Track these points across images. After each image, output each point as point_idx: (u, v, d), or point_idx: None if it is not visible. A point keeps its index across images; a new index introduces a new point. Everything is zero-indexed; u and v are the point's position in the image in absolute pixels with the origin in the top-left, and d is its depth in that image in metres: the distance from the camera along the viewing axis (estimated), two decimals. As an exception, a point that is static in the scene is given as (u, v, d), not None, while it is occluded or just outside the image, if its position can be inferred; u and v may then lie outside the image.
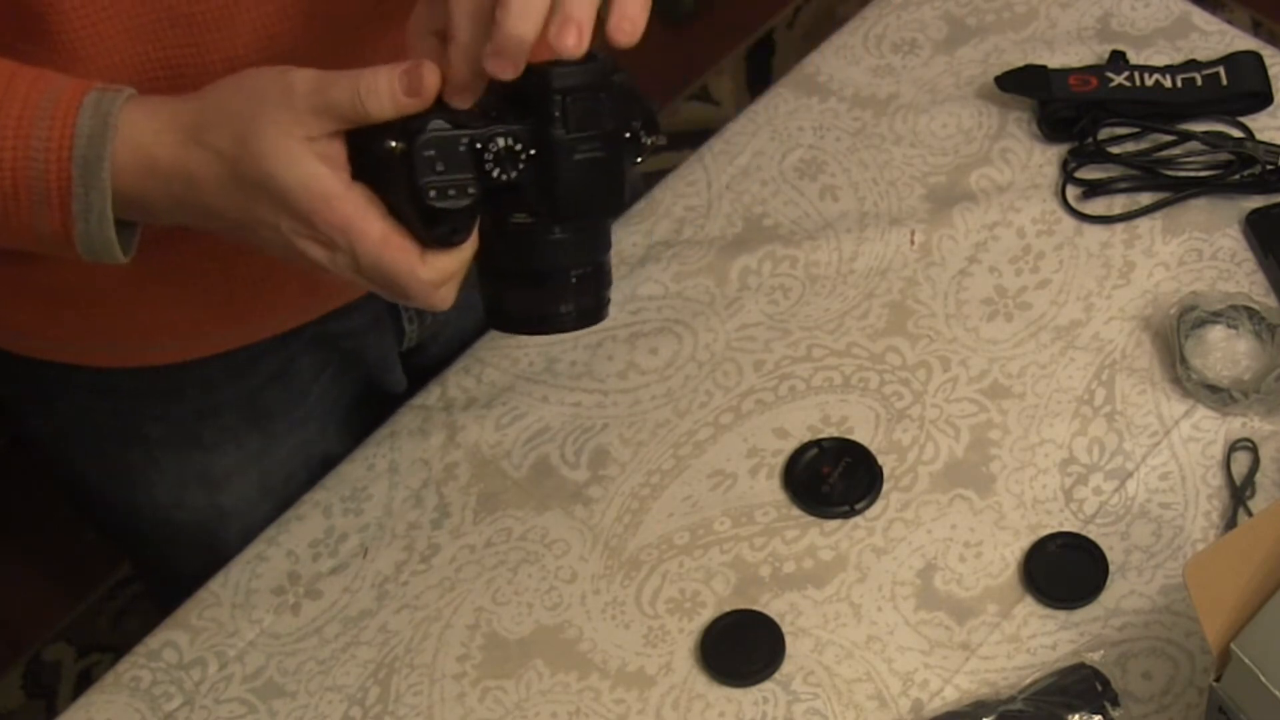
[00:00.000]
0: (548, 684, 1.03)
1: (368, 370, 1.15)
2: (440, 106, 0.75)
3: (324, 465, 1.13)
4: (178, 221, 0.80)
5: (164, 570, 1.26)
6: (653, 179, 1.25)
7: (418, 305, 0.79)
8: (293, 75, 0.74)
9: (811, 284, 1.17)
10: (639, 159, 0.81)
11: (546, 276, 0.79)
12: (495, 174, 0.75)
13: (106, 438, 1.11)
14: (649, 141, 0.79)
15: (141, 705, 1.04)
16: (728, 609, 1.04)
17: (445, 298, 0.78)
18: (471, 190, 0.74)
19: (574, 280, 0.79)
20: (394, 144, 0.74)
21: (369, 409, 1.17)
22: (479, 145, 0.74)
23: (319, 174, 0.74)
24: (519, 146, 0.75)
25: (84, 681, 1.91)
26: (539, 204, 0.77)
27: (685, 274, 1.18)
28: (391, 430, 1.13)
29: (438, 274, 0.76)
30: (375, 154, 0.75)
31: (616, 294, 1.16)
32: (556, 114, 0.75)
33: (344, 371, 1.14)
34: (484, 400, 1.14)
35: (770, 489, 1.08)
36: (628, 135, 0.79)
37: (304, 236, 0.75)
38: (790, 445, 1.10)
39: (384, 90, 0.73)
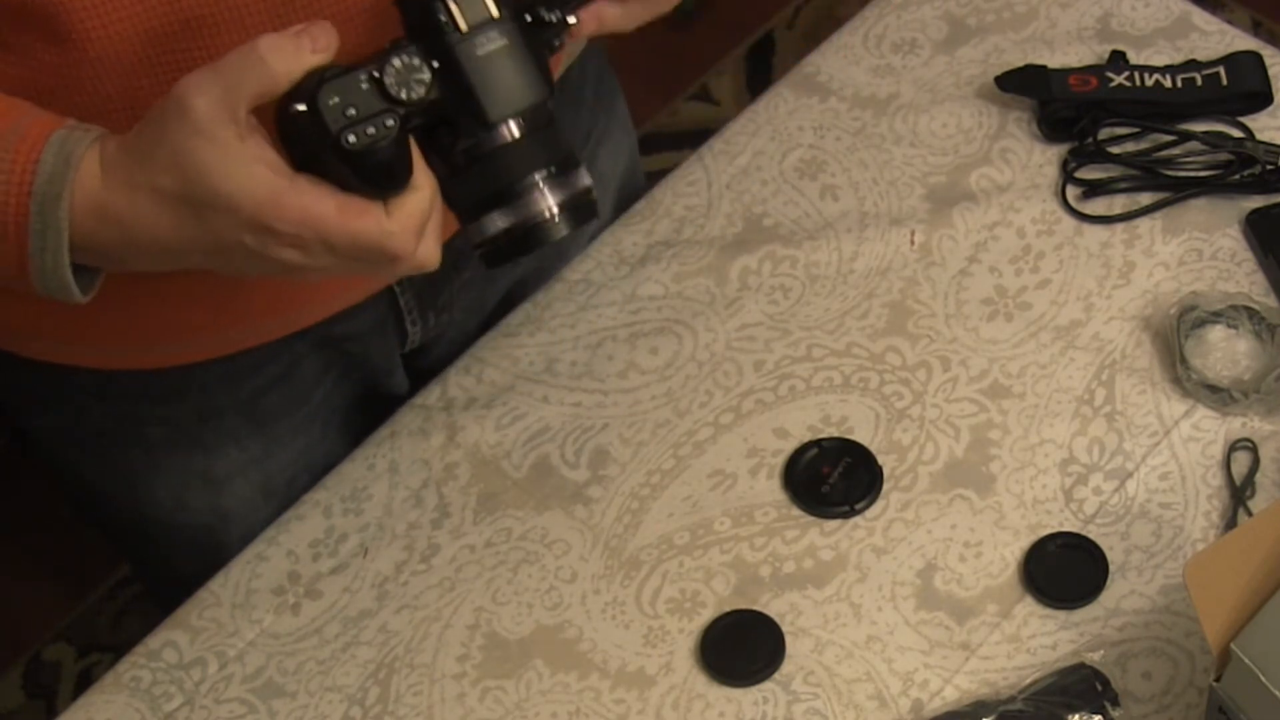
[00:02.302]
0: (548, 684, 1.03)
1: (371, 373, 1.15)
2: (331, 65, 0.74)
3: (326, 468, 1.13)
4: (143, 266, 0.78)
5: (165, 571, 1.26)
6: (653, 179, 1.25)
7: (410, 269, 0.77)
8: (179, 87, 0.73)
9: (811, 284, 1.17)
10: (557, 41, 0.79)
11: (513, 190, 0.78)
12: (404, 95, 0.74)
13: (107, 439, 1.11)
14: (552, 18, 0.78)
15: (141, 705, 1.04)
16: (728, 609, 1.04)
17: (429, 252, 0.77)
18: (389, 122, 0.74)
19: (542, 182, 0.77)
20: (298, 107, 0.73)
21: (371, 412, 1.16)
22: (378, 74, 0.74)
23: (258, 176, 0.73)
24: (417, 62, 0.74)
25: (84, 681, 1.91)
26: (467, 115, 0.76)
27: (685, 274, 1.18)
28: (391, 430, 1.13)
29: (406, 220, 0.75)
30: (289, 131, 0.74)
31: (616, 294, 1.17)
32: (443, 18, 0.74)
33: (347, 375, 1.14)
34: (484, 400, 1.14)
35: (770, 489, 1.08)
36: (529, 19, 0.77)
37: (272, 244, 0.74)
38: (790, 445, 1.10)
39: (288, 46, 0.72)
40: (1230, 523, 1.04)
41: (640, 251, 1.19)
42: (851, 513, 1.07)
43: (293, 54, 0.73)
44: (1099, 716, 0.97)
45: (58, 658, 1.95)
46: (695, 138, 1.29)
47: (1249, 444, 1.07)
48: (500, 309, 1.18)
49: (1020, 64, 1.23)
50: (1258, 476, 1.06)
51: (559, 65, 0.84)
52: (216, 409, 1.10)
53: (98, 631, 1.97)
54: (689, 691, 1.02)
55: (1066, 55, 1.25)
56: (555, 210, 0.78)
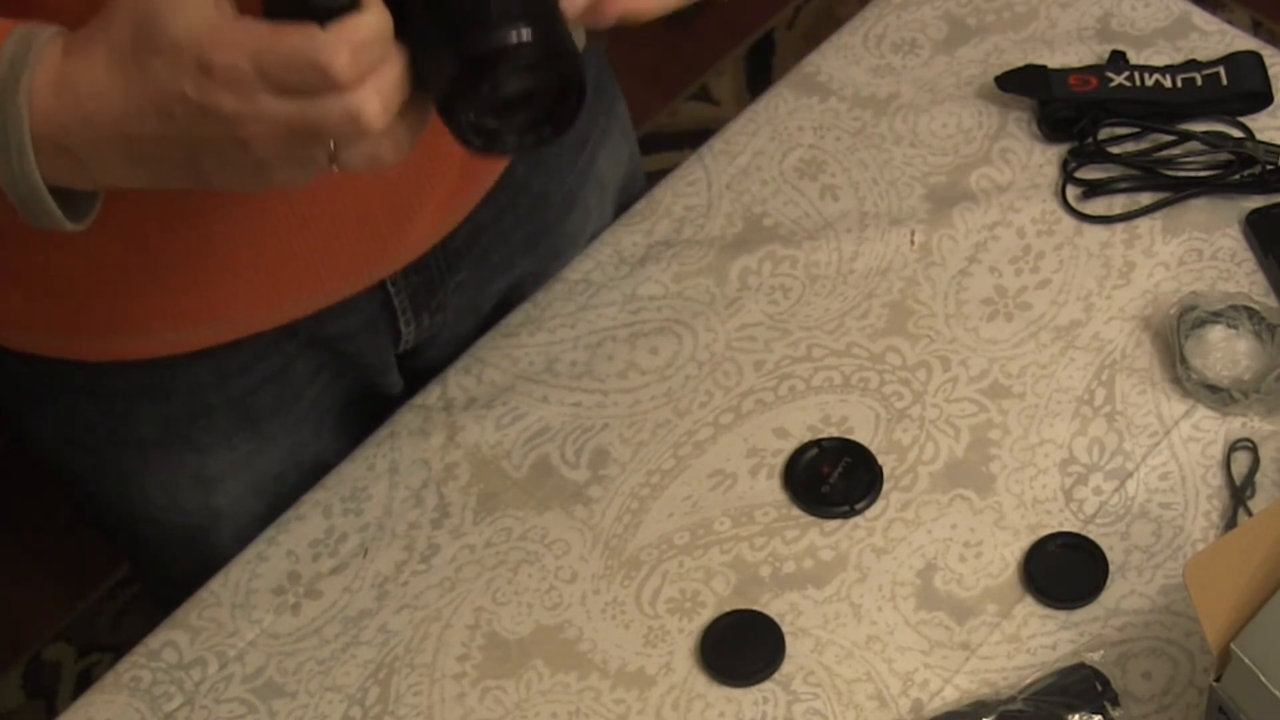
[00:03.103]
0: (548, 684, 1.03)
1: (364, 373, 1.15)
2: None
3: (318, 467, 1.13)
4: (104, 162, 0.75)
5: (159, 571, 1.26)
6: (653, 179, 1.25)
7: (351, 109, 0.70)
8: None
9: (811, 284, 1.17)
10: None
11: (467, 16, 0.70)
12: None
13: (99, 438, 1.11)
14: None
15: (141, 705, 1.04)
16: (728, 609, 1.04)
17: (369, 95, 0.70)
18: None
19: (499, 13, 0.70)
20: None
21: (364, 412, 1.16)
22: None
23: (203, 10, 0.70)
24: None
25: (84, 681, 1.91)
26: None
27: (685, 274, 1.18)
28: (391, 430, 1.13)
29: (342, 31, 0.69)
30: None
31: (616, 294, 1.17)
32: None
33: (340, 375, 1.14)
34: (484, 400, 1.14)
35: (770, 489, 1.08)
36: None
37: (210, 90, 0.70)
38: (790, 445, 1.10)
39: None
40: (1230, 523, 1.04)
41: (640, 251, 1.19)
42: (851, 513, 1.07)
43: None
44: (1099, 716, 0.97)
45: (58, 658, 1.95)
46: (695, 138, 1.29)
47: (1249, 444, 1.07)
48: (496, 311, 1.18)
49: (1020, 64, 1.23)
50: (1258, 476, 1.06)
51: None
52: (208, 408, 1.09)
53: (98, 631, 1.97)
54: (689, 691, 1.02)
55: (1066, 55, 1.25)
56: (521, 31, 0.70)
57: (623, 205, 1.23)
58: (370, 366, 1.14)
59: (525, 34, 0.70)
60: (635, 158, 1.28)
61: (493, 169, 1.08)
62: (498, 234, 1.12)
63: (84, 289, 0.97)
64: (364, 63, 0.70)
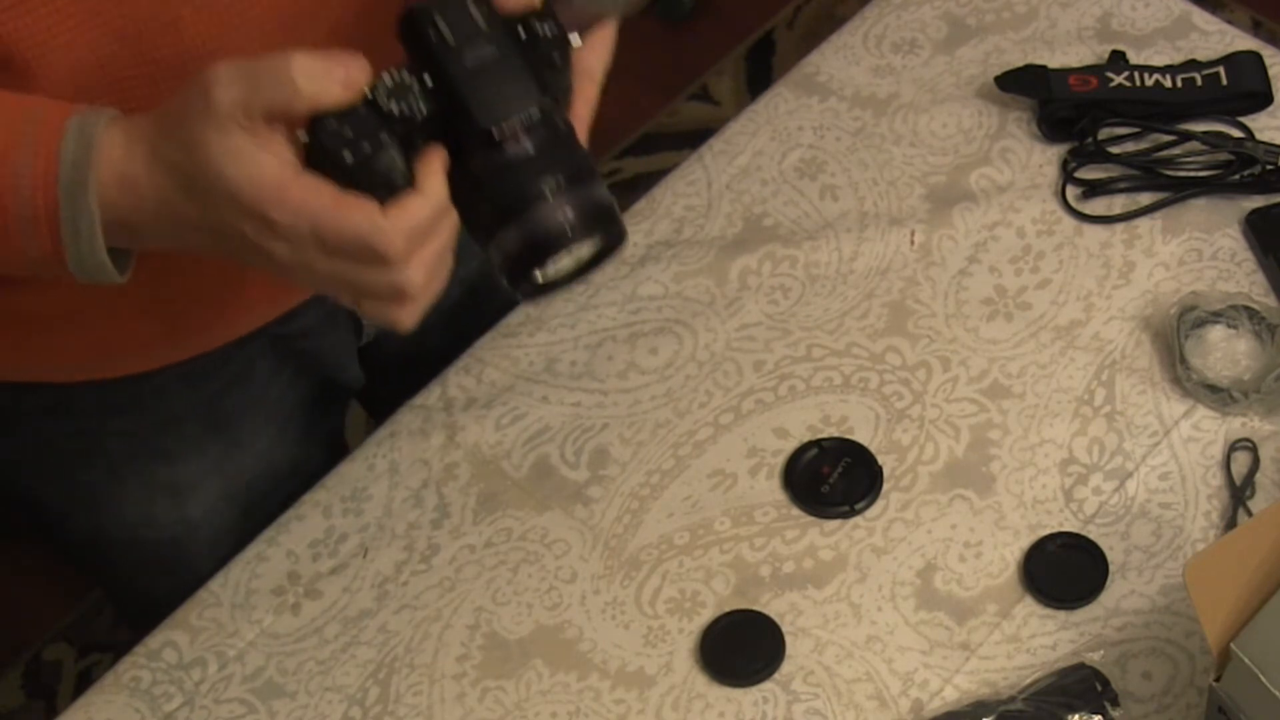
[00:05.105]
0: (548, 684, 1.03)
1: (325, 369, 1.15)
2: None
3: (287, 470, 1.13)
4: (166, 241, 0.79)
5: (132, 591, 1.25)
6: (653, 179, 1.25)
7: (395, 282, 0.76)
8: (209, 73, 0.73)
9: (811, 284, 1.17)
10: (555, 56, 0.79)
11: (523, 201, 0.76)
12: (396, 110, 0.74)
13: (67, 460, 1.10)
14: (547, 31, 0.78)
15: (141, 705, 1.04)
16: (728, 609, 1.04)
17: (417, 272, 0.75)
18: (383, 136, 0.74)
19: (550, 193, 0.76)
20: (299, 133, 0.74)
21: (329, 409, 1.16)
22: (370, 93, 0.75)
23: (263, 164, 0.73)
24: (408, 78, 0.75)
25: (84, 681, 1.91)
26: (462, 127, 0.76)
27: (685, 274, 1.18)
28: (391, 430, 1.13)
29: (400, 218, 0.74)
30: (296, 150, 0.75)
31: (616, 294, 1.17)
32: (432, 33, 0.75)
33: (301, 373, 1.14)
34: (484, 400, 1.14)
35: (770, 489, 1.08)
36: (522, 33, 0.77)
37: (266, 236, 0.74)
38: (790, 445, 1.10)
39: (319, 72, 0.73)
40: (1230, 523, 1.04)
41: (640, 251, 1.19)
42: (851, 513, 1.07)
43: (322, 81, 0.73)
44: (1099, 716, 0.97)
45: (58, 658, 1.95)
46: (695, 138, 1.29)
47: (1249, 444, 1.07)
48: (463, 302, 1.17)
49: (1020, 64, 1.24)
50: (1258, 476, 1.06)
51: (592, 100, 0.84)
52: (175, 416, 1.09)
53: (98, 631, 1.97)
54: (689, 691, 1.02)
55: (1066, 55, 1.25)
56: (568, 218, 0.77)
57: None
58: (330, 362, 1.15)
59: (576, 216, 0.77)
60: None
61: None
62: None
63: (57, 324, 0.97)
64: (416, 243, 0.75)
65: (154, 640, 1.07)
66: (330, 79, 0.73)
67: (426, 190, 0.76)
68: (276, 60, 0.73)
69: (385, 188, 0.75)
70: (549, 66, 0.79)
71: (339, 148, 0.74)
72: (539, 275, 0.78)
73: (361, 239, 0.74)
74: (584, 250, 0.79)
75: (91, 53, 0.81)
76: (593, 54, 0.82)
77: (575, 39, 0.80)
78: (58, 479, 1.12)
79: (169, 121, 0.75)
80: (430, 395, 1.15)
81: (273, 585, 1.08)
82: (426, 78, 0.76)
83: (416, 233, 0.75)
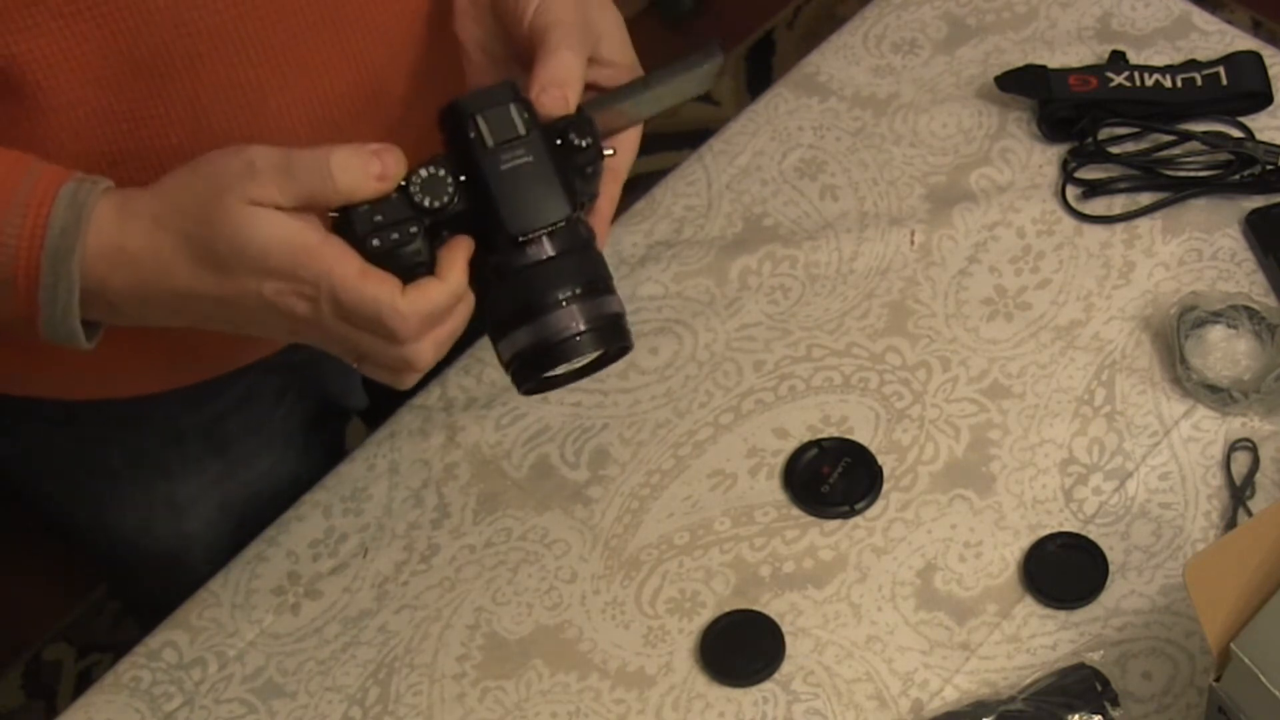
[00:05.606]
0: (548, 684, 1.03)
1: (328, 392, 1.16)
2: None
3: (287, 486, 1.13)
4: (145, 317, 0.80)
5: (137, 591, 1.26)
6: (653, 179, 1.25)
7: (399, 358, 0.78)
8: (252, 150, 0.75)
9: (811, 284, 1.17)
10: (590, 168, 0.81)
11: (538, 306, 0.79)
12: (428, 203, 0.77)
13: (71, 466, 1.11)
14: (583, 143, 0.80)
15: (141, 705, 1.04)
16: (728, 609, 1.04)
17: (425, 351, 0.78)
18: (413, 228, 0.76)
19: (566, 301, 0.79)
20: (331, 214, 0.76)
21: (330, 429, 1.17)
22: (405, 183, 0.77)
23: (298, 228, 0.75)
24: (443, 173, 0.77)
25: (84, 681, 1.91)
26: (490, 228, 0.78)
27: (685, 274, 1.18)
28: (391, 430, 1.13)
29: (417, 302, 0.76)
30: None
31: (616, 294, 1.17)
32: (473, 133, 0.77)
33: (304, 395, 1.15)
34: (484, 400, 1.14)
35: (770, 489, 1.08)
36: (559, 142, 0.79)
37: (287, 294, 0.75)
38: (790, 445, 1.10)
39: (356, 167, 0.75)
40: (1230, 523, 1.04)
41: (640, 251, 1.19)
42: (851, 513, 1.07)
43: (359, 175, 0.75)
44: (1099, 716, 0.97)
45: (58, 658, 1.95)
46: (695, 138, 1.29)
47: (1249, 444, 1.07)
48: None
49: (1020, 64, 1.23)
50: (1258, 476, 1.06)
51: (615, 197, 0.85)
52: (178, 434, 1.10)
53: (98, 631, 1.97)
54: (689, 691, 1.02)
55: (1066, 55, 1.25)
56: (580, 329, 0.79)
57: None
58: (333, 385, 1.15)
59: (587, 327, 0.79)
60: None
61: None
62: None
63: (57, 355, 0.97)
64: (428, 325, 0.77)
65: (154, 640, 1.07)
66: (366, 174, 0.75)
67: (448, 279, 0.77)
68: (317, 152, 0.75)
69: (408, 271, 0.77)
70: (580, 176, 0.81)
71: (368, 234, 0.76)
72: (548, 377, 0.81)
73: (378, 315, 0.76)
74: (589, 357, 0.81)
75: (104, 76, 0.81)
76: (622, 155, 0.85)
77: (610, 151, 0.82)
78: (61, 483, 1.13)
79: (180, 194, 0.76)
80: (430, 395, 1.15)
81: (273, 585, 1.08)
82: (460, 175, 0.78)
83: (431, 317, 0.77)
